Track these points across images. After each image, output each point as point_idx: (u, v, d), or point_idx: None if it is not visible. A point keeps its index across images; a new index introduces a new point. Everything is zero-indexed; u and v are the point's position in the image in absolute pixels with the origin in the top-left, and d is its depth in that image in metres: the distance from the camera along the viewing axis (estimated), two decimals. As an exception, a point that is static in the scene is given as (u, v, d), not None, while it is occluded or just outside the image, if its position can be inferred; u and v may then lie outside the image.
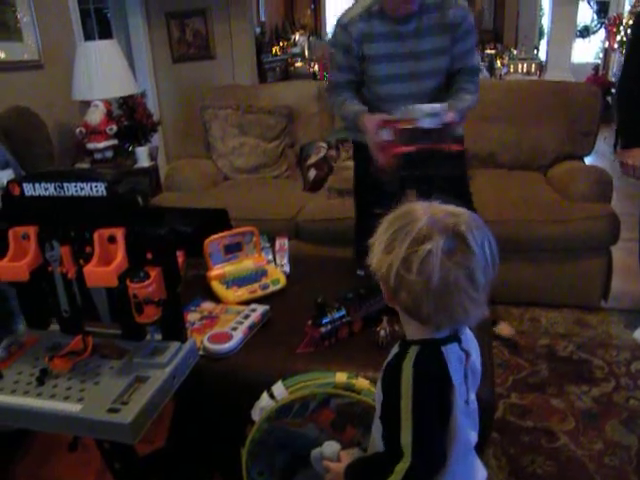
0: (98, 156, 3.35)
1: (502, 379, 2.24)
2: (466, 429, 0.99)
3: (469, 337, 1.01)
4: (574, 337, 2.53)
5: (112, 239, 1.32)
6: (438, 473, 0.98)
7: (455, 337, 0.97)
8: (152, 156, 3.71)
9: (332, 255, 2.62)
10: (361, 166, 2.19)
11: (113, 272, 1.27)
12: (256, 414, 1.42)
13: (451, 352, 0.96)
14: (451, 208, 0.93)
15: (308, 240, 2.75)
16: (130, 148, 3.59)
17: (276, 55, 7.82)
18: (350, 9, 1.94)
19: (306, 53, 8.66)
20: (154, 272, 1.31)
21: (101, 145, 3.31)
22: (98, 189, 1.28)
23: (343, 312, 1.55)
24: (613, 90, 6.60)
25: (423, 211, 0.91)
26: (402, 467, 0.95)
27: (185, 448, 1.55)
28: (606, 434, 1.94)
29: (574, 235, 2.56)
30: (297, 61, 8.29)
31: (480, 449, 1.14)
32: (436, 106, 1.79)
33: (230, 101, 3.51)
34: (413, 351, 0.97)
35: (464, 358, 0.97)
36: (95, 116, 3.27)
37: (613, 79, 7.11)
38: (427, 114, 1.75)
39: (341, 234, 2.61)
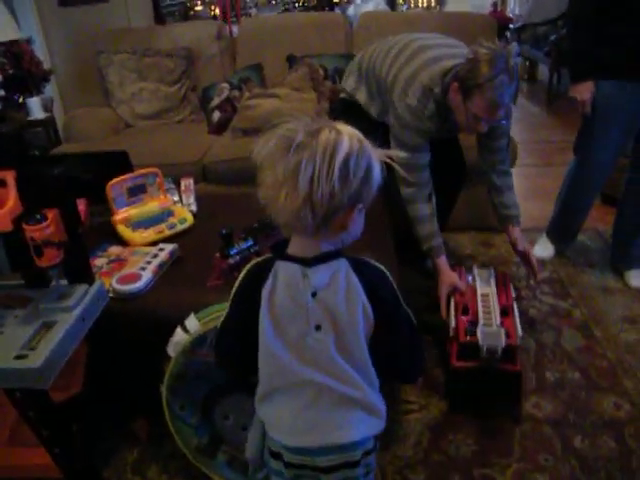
0: (-16, 109, 3.13)
1: (414, 300, 2.33)
2: (283, 358, 0.95)
3: (340, 279, 0.93)
4: (479, 256, 2.68)
5: (2, 183, 1.26)
6: (239, 374, 1.17)
7: (304, 260, 0.93)
8: (47, 107, 3.51)
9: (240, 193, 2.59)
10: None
11: (6, 215, 1.22)
12: (171, 349, 1.43)
13: (285, 269, 0.94)
14: (343, 126, 0.88)
15: (216, 181, 2.71)
16: (20, 99, 3.37)
17: (174, -2, 7.45)
18: (424, 101, 1.84)
19: (206, -5, 8.30)
20: (51, 214, 1.27)
21: (-14, 96, 3.09)
22: (-22, 128, 1.21)
23: (250, 242, 1.56)
24: (511, 25, 6.79)
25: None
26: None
27: (103, 392, 1.54)
28: (509, 341, 2.09)
29: (477, 160, 2.66)
30: (197, 4, 7.95)
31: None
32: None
33: (126, 45, 3.34)
34: (261, 258, 1.01)
35: (304, 284, 0.93)
36: (-26, 64, 3.03)
37: (511, 15, 7.30)
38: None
39: (248, 172, 2.59)
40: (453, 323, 1.80)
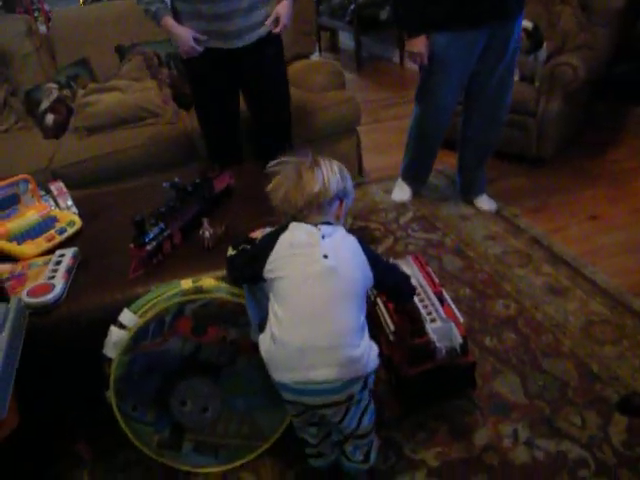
0: None
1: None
2: (304, 278, 1.20)
3: (342, 232, 1.27)
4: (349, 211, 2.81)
5: None
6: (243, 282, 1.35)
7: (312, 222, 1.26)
8: None
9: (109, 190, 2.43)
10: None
11: None
12: (110, 351, 1.35)
13: (299, 225, 1.26)
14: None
15: (70, 186, 2.44)
16: None
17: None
18: None
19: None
20: None
21: None
22: None
23: (162, 226, 1.51)
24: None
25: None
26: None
27: (43, 418, 1.40)
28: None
29: (326, 122, 2.79)
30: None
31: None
32: None
33: None
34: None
35: (316, 230, 1.24)
36: None
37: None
38: None
39: (105, 171, 2.51)
40: (392, 327, 1.65)
